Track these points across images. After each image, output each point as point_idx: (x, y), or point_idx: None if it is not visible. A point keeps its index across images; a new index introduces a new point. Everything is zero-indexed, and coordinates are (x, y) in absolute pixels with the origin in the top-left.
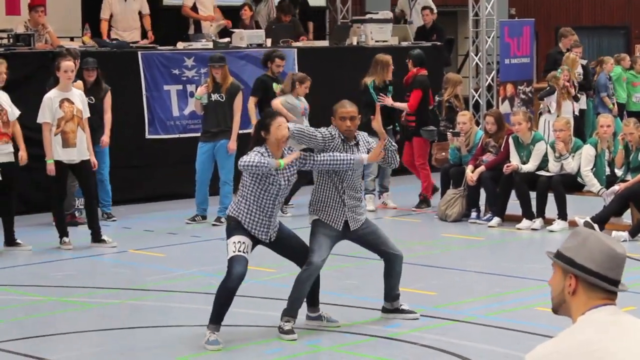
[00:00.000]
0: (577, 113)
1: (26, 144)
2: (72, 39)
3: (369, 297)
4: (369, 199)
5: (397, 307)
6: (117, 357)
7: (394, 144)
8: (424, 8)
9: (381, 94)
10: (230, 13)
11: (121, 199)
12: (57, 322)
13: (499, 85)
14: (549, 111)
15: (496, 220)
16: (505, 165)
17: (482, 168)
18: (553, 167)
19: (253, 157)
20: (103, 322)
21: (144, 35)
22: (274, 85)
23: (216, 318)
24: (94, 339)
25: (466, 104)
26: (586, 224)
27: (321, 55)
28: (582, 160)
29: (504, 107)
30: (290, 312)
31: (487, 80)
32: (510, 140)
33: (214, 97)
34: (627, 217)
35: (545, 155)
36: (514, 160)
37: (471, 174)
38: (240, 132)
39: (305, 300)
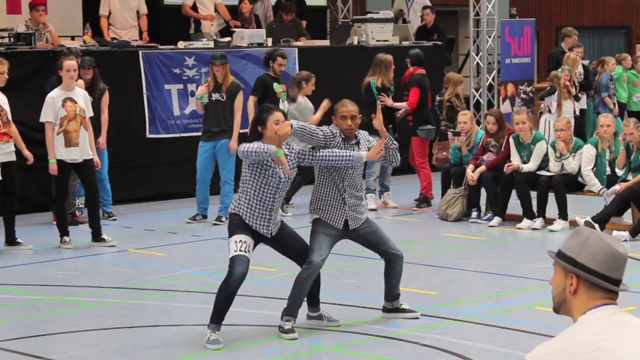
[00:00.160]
0: (577, 113)
1: (26, 143)
2: (72, 38)
3: (370, 296)
4: (371, 198)
5: (398, 307)
6: (118, 356)
7: (395, 142)
8: (424, 7)
9: (382, 94)
10: (230, 12)
11: (122, 198)
12: (57, 321)
13: (499, 84)
14: (550, 111)
15: (497, 219)
16: (506, 165)
17: (482, 167)
18: (554, 166)
19: (253, 144)
20: (103, 321)
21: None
22: (274, 84)
23: (217, 318)
24: (94, 338)
25: (467, 103)
26: (587, 224)
27: (322, 55)
28: (583, 160)
29: (505, 107)
30: (290, 312)
31: (487, 79)
32: (511, 140)
33: (215, 96)
34: (627, 217)
35: (546, 155)
36: (515, 159)
37: (472, 174)
38: (241, 131)
39: (305, 299)
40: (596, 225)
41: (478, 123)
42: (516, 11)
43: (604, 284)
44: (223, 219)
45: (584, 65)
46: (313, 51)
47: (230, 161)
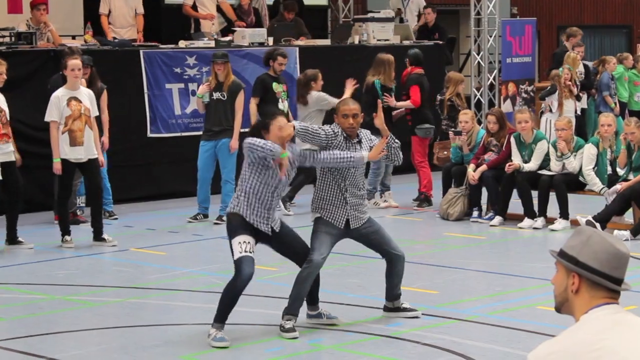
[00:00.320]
0: (579, 112)
1: (27, 142)
2: (74, 37)
3: (371, 295)
4: (378, 198)
5: (399, 306)
6: (119, 355)
7: (396, 140)
8: (426, 7)
9: (386, 94)
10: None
11: (123, 197)
12: (59, 320)
13: (500, 84)
14: (551, 110)
15: (498, 219)
16: (507, 164)
17: (483, 167)
18: (555, 166)
19: (260, 140)
20: (105, 320)
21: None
22: (274, 84)
23: (221, 317)
24: (95, 338)
25: (468, 103)
26: (588, 223)
27: (323, 54)
28: (584, 160)
29: (506, 106)
30: (291, 311)
31: (488, 79)
32: (512, 139)
33: (216, 95)
34: (628, 216)
35: (547, 154)
36: (516, 159)
37: (473, 173)
38: (242, 130)
39: (305, 298)
40: (597, 225)
41: (479, 122)
42: (517, 10)
43: (606, 283)
44: (224, 218)
45: (584, 65)
46: (314, 50)
47: (231, 160)
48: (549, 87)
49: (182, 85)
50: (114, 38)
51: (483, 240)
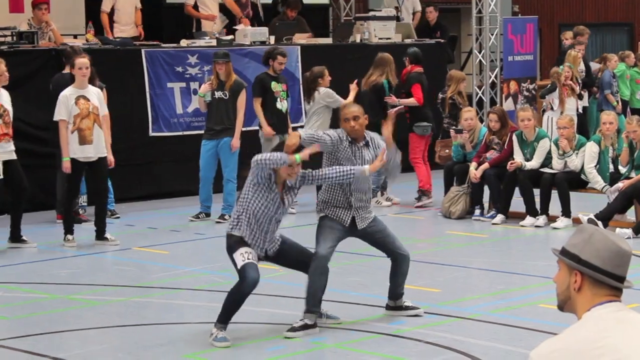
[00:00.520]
0: (580, 110)
1: (28, 142)
2: (75, 36)
3: (373, 294)
4: (382, 197)
5: (401, 305)
6: (122, 354)
7: (399, 156)
8: (427, 5)
9: (391, 94)
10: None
11: (124, 196)
12: (61, 319)
13: (502, 82)
14: (552, 108)
15: (500, 217)
16: (509, 163)
17: (485, 165)
18: (557, 164)
19: (268, 154)
20: (107, 319)
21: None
22: (273, 83)
23: (224, 318)
24: (98, 337)
25: (469, 101)
26: (590, 221)
27: (324, 53)
28: (586, 158)
29: (508, 105)
30: (308, 309)
31: (490, 77)
32: (514, 138)
33: (218, 94)
34: (630, 215)
35: (549, 152)
36: (518, 157)
37: (475, 171)
38: (244, 129)
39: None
40: (599, 223)
41: (481, 120)
42: (518, 9)
43: (609, 280)
44: (226, 217)
45: (585, 63)
46: (315, 49)
47: (233, 159)
48: (549, 85)
49: (183, 84)
50: (116, 37)
51: (485, 238)
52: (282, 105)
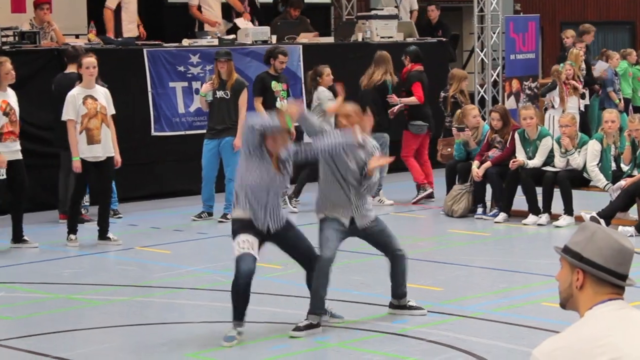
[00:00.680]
0: (582, 108)
1: (30, 142)
2: (77, 36)
3: (375, 293)
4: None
5: (405, 304)
6: (124, 354)
7: (378, 177)
8: (429, 4)
9: (392, 94)
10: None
11: (127, 195)
12: (63, 319)
13: (504, 81)
14: (553, 106)
15: (502, 215)
16: (511, 161)
17: (488, 164)
18: (559, 162)
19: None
20: (110, 319)
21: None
22: (273, 83)
23: (236, 315)
24: (100, 336)
25: (472, 99)
26: (592, 219)
27: (326, 52)
28: (588, 156)
29: (510, 103)
30: (312, 310)
31: (492, 76)
32: (516, 136)
33: (219, 94)
34: (633, 212)
35: (551, 150)
36: (520, 155)
37: (477, 170)
38: None
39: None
40: (602, 221)
41: (483, 119)
42: (520, 7)
43: (611, 279)
44: (228, 216)
45: (586, 61)
46: (317, 48)
47: (235, 159)
48: (549, 84)
49: (185, 84)
50: (121, 37)
51: (487, 236)
52: (282, 104)
